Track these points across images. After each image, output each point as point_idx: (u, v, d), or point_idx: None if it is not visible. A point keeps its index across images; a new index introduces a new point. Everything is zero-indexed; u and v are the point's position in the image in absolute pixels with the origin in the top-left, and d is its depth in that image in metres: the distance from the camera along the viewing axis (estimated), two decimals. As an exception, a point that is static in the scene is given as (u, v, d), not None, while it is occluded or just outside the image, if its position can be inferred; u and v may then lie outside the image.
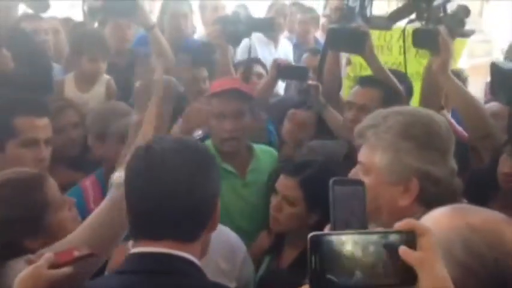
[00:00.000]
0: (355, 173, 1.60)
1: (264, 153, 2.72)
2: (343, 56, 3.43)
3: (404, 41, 2.78)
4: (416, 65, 3.29)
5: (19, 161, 2.18)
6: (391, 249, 0.96)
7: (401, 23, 2.79)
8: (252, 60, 3.74)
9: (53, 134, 2.47)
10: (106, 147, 2.54)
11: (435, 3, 2.45)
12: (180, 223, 1.35)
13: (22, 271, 1.48)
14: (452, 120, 2.92)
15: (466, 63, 4.62)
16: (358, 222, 1.06)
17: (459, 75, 3.14)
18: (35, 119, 2.35)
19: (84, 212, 1.97)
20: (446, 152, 1.57)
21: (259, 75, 3.52)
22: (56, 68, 3.64)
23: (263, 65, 3.64)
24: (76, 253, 1.55)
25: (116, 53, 3.57)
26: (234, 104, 2.58)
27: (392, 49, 3.53)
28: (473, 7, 6.34)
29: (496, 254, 1.05)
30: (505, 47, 4.31)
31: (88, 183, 2.48)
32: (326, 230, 1.11)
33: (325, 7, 4.94)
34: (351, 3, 2.76)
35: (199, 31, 4.65)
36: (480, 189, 2.23)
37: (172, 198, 1.34)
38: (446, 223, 1.11)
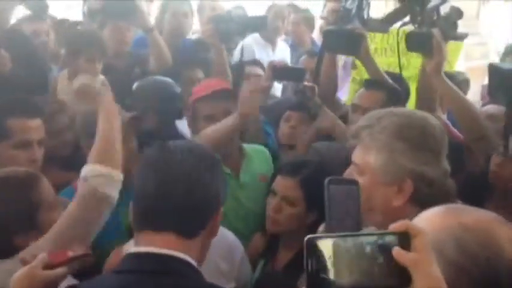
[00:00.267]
0: (349, 173, 1.61)
1: (256, 153, 2.71)
2: (340, 58, 3.44)
3: (398, 44, 2.79)
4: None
5: (12, 163, 2.19)
6: (386, 251, 0.96)
7: (398, 25, 2.81)
8: (247, 62, 3.75)
9: (49, 137, 2.47)
10: None
11: (429, 6, 2.46)
12: (180, 215, 1.38)
13: (9, 271, 1.50)
14: (448, 122, 2.93)
15: (462, 65, 4.64)
16: (353, 222, 1.08)
17: (456, 77, 3.15)
18: (27, 120, 2.35)
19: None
20: (440, 153, 1.59)
21: (259, 77, 3.51)
22: (55, 69, 3.65)
23: (262, 67, 3.64)
24: (71, 253, 1.57)
25: (114, 55, 3.57)
26: (223, 104, 2.58)
27: (395, 52, 3.54)
28: (470, 9, 6.39)
29: (488, 253, 1.06)
30: (501, 48, 4.33)
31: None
32: (321, 228, 1.12)
33: (323, 9, 4.94)
34: (348, 6, 2.76)
35: (198, 32, 4.65)
36: (475, 191, 2.25)
37: (176, 191, 1.37)
38: (438, 223, 1.12)
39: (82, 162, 2.64)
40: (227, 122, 2.47)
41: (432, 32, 2.41)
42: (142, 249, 1.37)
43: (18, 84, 2.76)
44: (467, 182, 2.38)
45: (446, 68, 2.62)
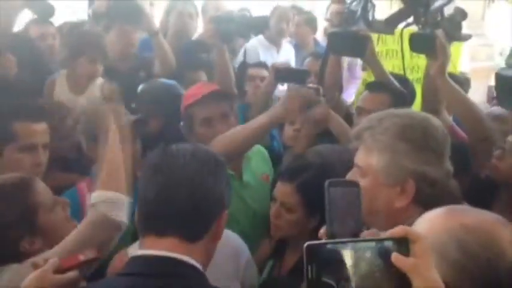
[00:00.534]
0: (351, 175, 1.61)
1: (254, 153, 2.69)
2: (344, 60, 3.43)
3: (402, 45, 2.78)
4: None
5: (17, 166, 2.20)
6: (386, 256, 0.98)
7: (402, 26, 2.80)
8: (252, 64, 3.75)
9: (57, 139, 2.48)
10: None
11: (432, 7, 2.45)
12: (183, 219, 1.38)
13: (17, 274, 1.50)
14: (453, 123, 2.92)
15: (467, 66, 4.63)
16: (354, 224, 1.08)
17: (458, 77, 3.14)
18: (32, 124, 2.36)
19: (79, 214, 2.00)
20: (442, 154, 1.59)
21: (264, 79, 3.51)
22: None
23: (267, 69, 3.62)
24: (81, 257, 1.57)
25: (120, 58, 3.57)
26: (219, 107, 2.57)
27: (405, 53, 3.55)
28: (476, 11, 6.37)
29: (489, 254, 1.06)
30: (504, 49, 4.32)
31: (83, 185, 2.48)
32: (322, 230, 1.12)
33: (327, 11, 4.94)
34: (353, 7, 2.75)
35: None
36: (481, 194, 2.24)
37: (178, 195, 1.37)
38: (440, 224, 1.12)
39: (84, 164, 2.66)
40: (257, 123, 2.41)
41: (436, 33, 2.41)
42: (147, 252, 1.37)
43: (23, 88, 2.77)
44: (473, 185, 2.37)
45: (449, 69, 2.62)
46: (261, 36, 4.49)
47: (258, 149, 2.75)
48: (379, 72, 2.84)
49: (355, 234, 1.07)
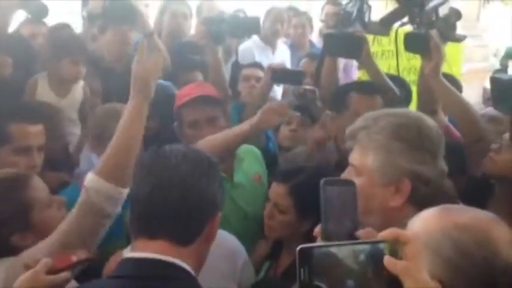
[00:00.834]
0: (346, 174, 1.61)
1: (246, 153, 2.68)
2: (340, 61, 3.44)
3: (396, 45, 2.79)
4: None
5: (11, 168, 2.17)
6: (378, 259, 0.98)
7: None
8: (247, 65, 3.75)
9: (53, 141, 2.48)
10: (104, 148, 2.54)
11: (427, 7, 2.46)
12: (174, 222, 1.36)
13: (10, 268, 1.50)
14: (449, 123, 2.93)
15: (463, 67, 4.64)
16: (350, 223, 1.08)
17: (452, 78, 3.15)
18: (27, 125, 2.35)
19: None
20: (437, 154, 1.59)
21: (259, 80, 3.51)
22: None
23: (262, 69, 3.61)
24: (74, 258, 1.56)
25: (116, 58, 3.55)
26: (206, 111, 2.56)
27: (403, 55, 3.55)
28: (471, 12, 6.39)
29: (485, 253, 1.06)
30: (498, 50, 4.33)
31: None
32: (317, 229, 1.12)
33: (321, 12, 4.95)
34: (348, 9, 2.76)
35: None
36: (477, 194, 2.24)
37: (170, 196, 1.36)
38: (435, 223, 1.12)
39: (70, 165, 2.66)
40: (239, 129, 2.40)
41: (430, 34, 2.42)
42: (138, 254, 1.35)
43: (18, 88, 2.76)
44: (469, 185, 2.38)
45: (446, 69, 2.62)
46: (256, 37, 4.49)
47: (251, 149, 2.74)
48: (374, 74, 2.84)
49: (351, 234, 1.08)
